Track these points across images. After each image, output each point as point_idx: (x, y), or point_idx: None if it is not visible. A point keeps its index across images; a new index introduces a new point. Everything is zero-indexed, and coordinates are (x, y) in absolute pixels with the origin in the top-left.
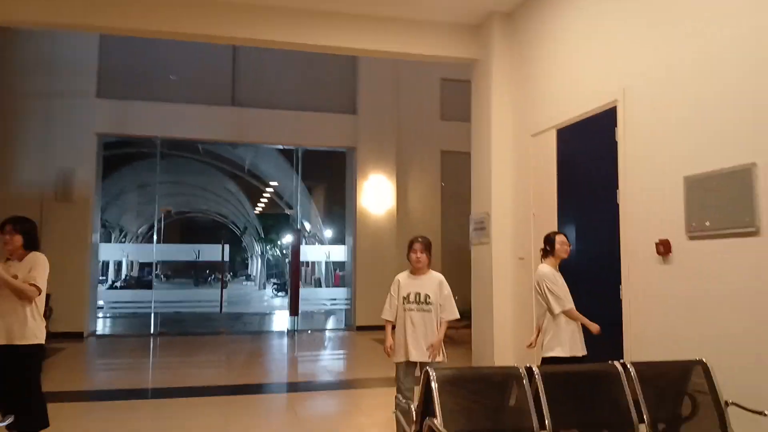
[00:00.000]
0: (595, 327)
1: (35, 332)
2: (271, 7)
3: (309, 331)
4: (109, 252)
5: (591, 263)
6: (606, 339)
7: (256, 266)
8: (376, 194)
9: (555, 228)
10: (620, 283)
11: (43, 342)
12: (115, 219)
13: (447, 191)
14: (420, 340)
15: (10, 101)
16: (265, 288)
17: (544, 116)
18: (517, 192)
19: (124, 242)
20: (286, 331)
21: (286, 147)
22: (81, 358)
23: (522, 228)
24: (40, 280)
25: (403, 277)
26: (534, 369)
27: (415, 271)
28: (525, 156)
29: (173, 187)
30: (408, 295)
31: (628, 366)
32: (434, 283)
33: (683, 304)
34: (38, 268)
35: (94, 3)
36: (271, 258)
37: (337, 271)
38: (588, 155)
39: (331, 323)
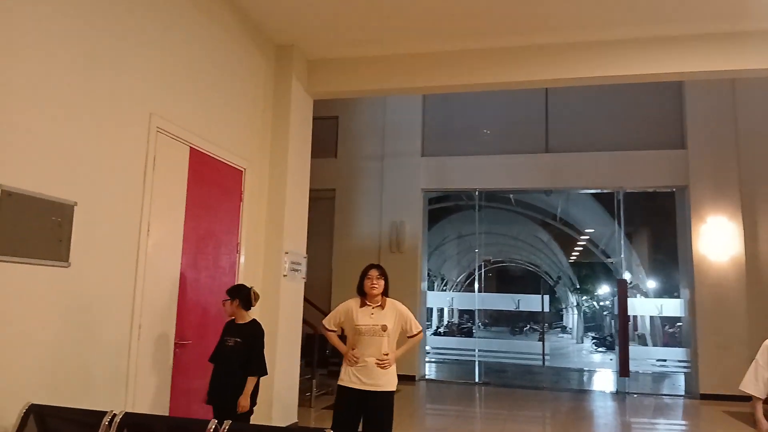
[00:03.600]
0: None
1: (396, 379)
2: (586, 44)
3: (635, 395)
4: (436, 299)
5: None
6: None
7: (572, 318)
8: (716, 239)
9: None
10: None
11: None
12: (437, 268)
13: None
14: None
15: (351, 164)
16: (582, 342)
17: None
18: None
19: (445, 290)
20: (611, 392)
21: (604, 191)
22: (414, 401)
23: None
24: (417, 326)
25: None
26: None
27: None
28: None
29: (487, 237)
30: None
31: None
32: None
33: None
34: (412, 317)
35: (416, 68)
36: (587, 310)
37: (666, 327)
38: None
39: (666, 388)
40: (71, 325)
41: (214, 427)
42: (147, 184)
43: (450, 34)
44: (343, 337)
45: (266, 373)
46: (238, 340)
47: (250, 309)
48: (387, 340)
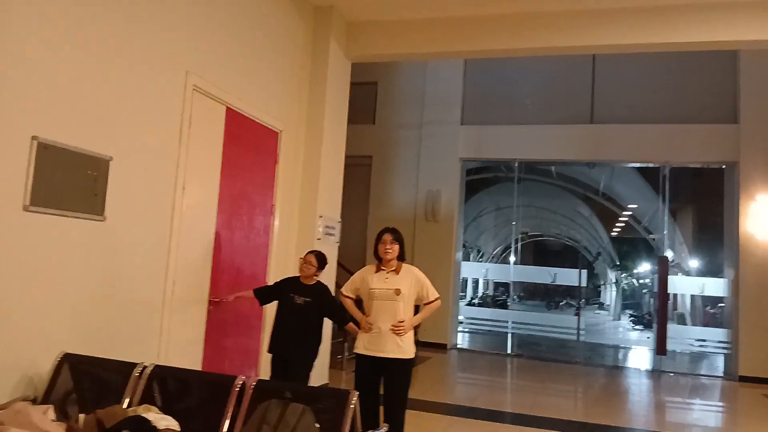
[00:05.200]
0: None
1: (413, 347)
2: (637, 8)
3: (672, 374)
4: (470, 270)
5: None
6: None
7: (610, 294)
8: (765, 218)
9: None
10: None
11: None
12: (473, 240)
13: None
14: None
15: (389, 131)
16: (620, 319)
17: None
18: None
19: (481, 262)
20: (647, 370)
21: (650, 165)
22: (443, 369)
23: None
24: (434, 293)
25: None
26: None
27: None
28: None
29: (526, 211)
30: None
31: None
32: None
33: None
34: (429, 284)
35: (458, 31)
36: (626, 287)
37: (708, 307)
38: None
39: (704, 368)
40: (105, 279)
41: (242, 382)
42: (183, 142)
43: None
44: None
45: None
46: (308, 299)
47: None
48: (402, 305)
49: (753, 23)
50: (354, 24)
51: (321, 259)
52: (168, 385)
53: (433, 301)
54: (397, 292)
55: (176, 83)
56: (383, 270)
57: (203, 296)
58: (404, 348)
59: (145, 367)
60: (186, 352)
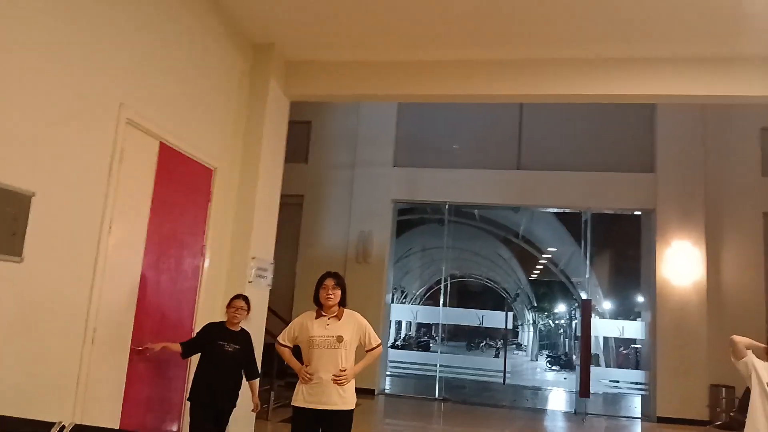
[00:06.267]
0: None
1: (354, 396)
2: (561, 60)
3: (585, 416)
4: (399, 312)
5: None
6: None
7: (527, 335)
8: (680, 263)
9: None
10: None
11: None
12: (397, 280)
13: None
14: None
15: (322, 171)
16: (537, 360)
17: None
18: None
19: (404, 303)
20: (566, 412)
21: (572, 211)
22: (374, 417)
23: None
24: (376, 339)
25: None
26: None
27: None
28: None
29: (450, 252)
30: None
31: None
32: None
33: None
34: (371, 329)
35: (395, 75)
36: (542, 327)
37: (621, 348)
38: None
39: (622, 409)
40: (19, 326)
41: None
42: (112, 178)
43: (430, 43)
44: (299, 357)
45: None
46: (237, 347)
47: None
48: (344, 353)
49: (672, 78)
50: (293, 63)
51: (249, 303)
52: None
53: (375, 347)
54: (339, 339)
55: (109, 116)
56: (324, 316)
57: (125, 344)
58: (346, 398)
59: (63, 428)
60: (103, 407)
